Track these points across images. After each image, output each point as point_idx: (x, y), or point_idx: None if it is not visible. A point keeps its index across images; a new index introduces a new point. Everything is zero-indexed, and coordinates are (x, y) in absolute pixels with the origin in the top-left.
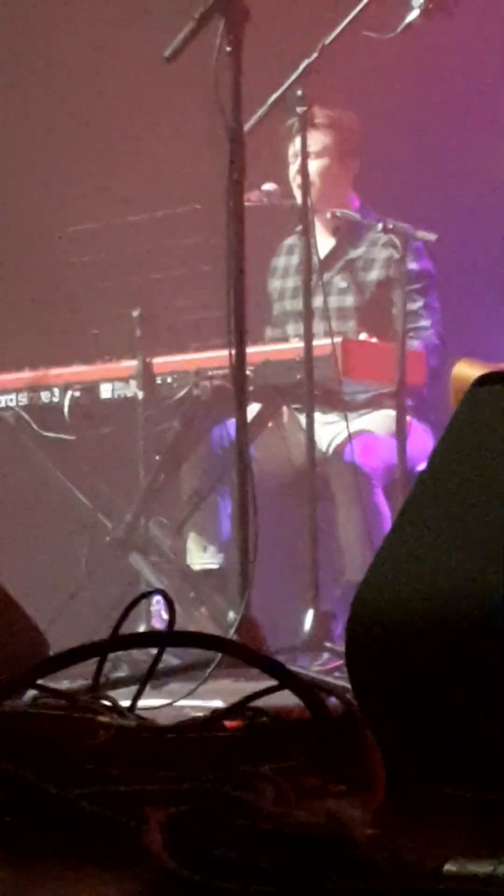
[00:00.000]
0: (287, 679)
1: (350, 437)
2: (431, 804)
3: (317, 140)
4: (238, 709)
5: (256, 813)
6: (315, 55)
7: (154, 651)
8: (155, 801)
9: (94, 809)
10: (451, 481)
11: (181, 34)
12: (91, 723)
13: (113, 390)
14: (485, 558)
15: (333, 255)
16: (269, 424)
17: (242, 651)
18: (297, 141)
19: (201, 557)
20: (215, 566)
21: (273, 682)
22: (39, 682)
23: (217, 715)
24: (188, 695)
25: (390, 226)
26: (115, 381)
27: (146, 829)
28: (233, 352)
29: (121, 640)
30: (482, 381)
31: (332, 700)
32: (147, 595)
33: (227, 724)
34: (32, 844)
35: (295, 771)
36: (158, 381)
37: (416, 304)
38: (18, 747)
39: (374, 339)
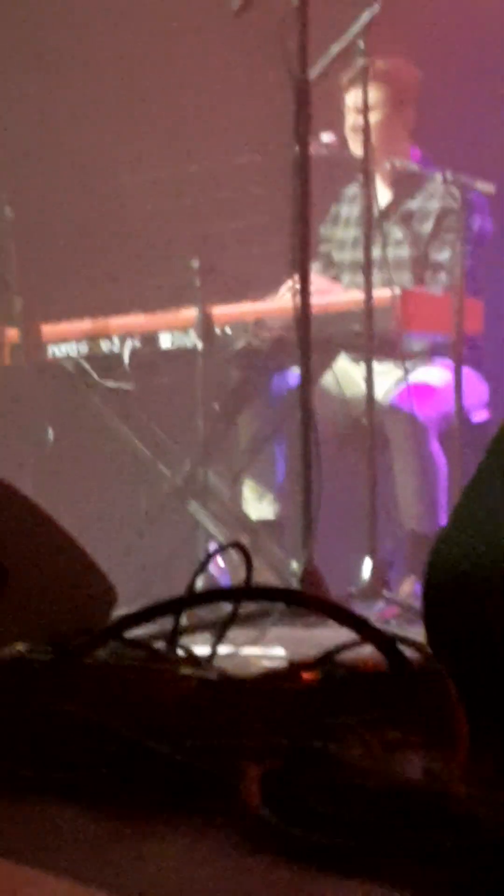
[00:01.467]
0: (368, 632)
1: (407, 386)
2: None
3: (372, 92)
4: (318, 661)
5: (350, 767)
6: (377, 6)
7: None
8: (247, 756)
9: (189, 763)
10: None
11: None
12: (173, 675)
13: (172, 340)
14: None
15: (391, 206)
16: (327, 374)
17: (320, 604)
18: (354, 92)
19: (258, 507)
20: (272, 516)
21: (341, 632)
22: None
23: (295, 667)
24: (253, 643)
25: (449, 177)
26: (175, 331)
27: (243, 783)
28: (297, 302)
29: (202, 595)
30: None
31: (411, 653)
32: (225, 548)
33: (305, 675)
34: (128, 797)
35: (377, 724)
36: (217, 331)
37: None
38: (105, 700)
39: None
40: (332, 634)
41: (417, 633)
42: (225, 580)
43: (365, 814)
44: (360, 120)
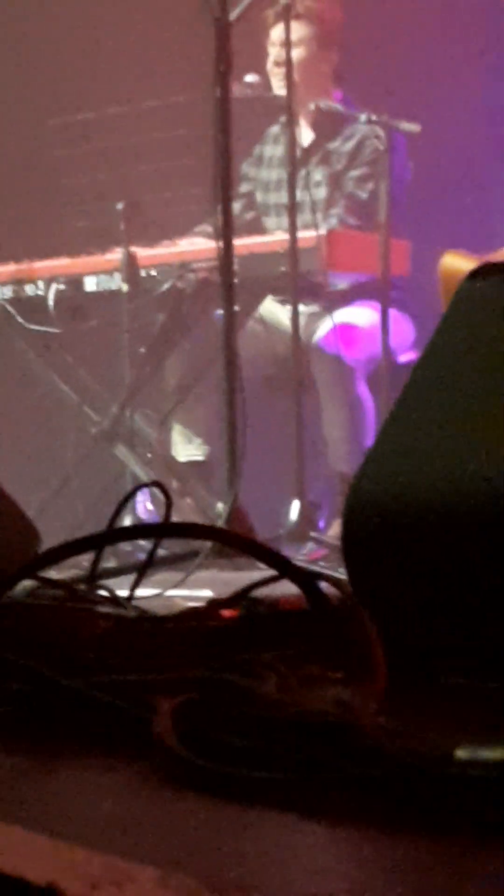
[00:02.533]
0: (286, 569)
1: (334, 328)
2: (433, 693)
3: (296, 30)
4: (236, 599)
5: (263, 700)
6: None
7: (143, 543)
8: (160, 690)
9: (102, 698)
10: (447, 374)
11: None
12: (91, 613)
13: (98, 283)
14: (485, 448)
15: (313, 146)
16: (253, 316)
17: (241, 541)
18: (275, 30)
19: (187, 449)
20: (200, 458)
21: (267, 573)
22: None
23: (215, 605)
24: (178, 584)
25: (373, 118)
26: (100, 274)
27: (155, 717)
28: (220, 244)
29: (121, 532)
30: (475, 274)
31: (331, 590)
32: (143, 486)
33: (224, 613)
34: (41, 733)
35: (295, 660)
36: (143, 273)
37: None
38: (21, 638)
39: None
40: (259, 576)
41: (345, 573)
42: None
43: (276, 745)
44: (283, 55)
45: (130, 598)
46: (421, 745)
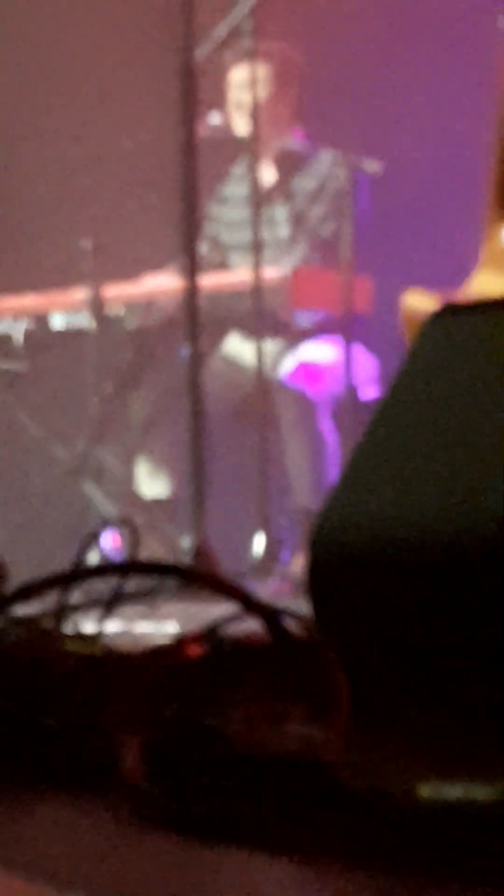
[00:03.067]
0: (251, 605)
1: (297, 364)
2: (396, 729)
3: (259, 70)
4: (203, 636)
5: (230, 738)
6: None
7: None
8: (129, 729)
9: (71, 736)
10: (411, 411)
11: None
12: (59, 652)
13: (64, 321)
14: (447, 484)
15: (276, 184)
16: (218, 353)
17: (207, 579)
18: (234, 72)
19: (152, 485)
20: (166, 494)
21: (231, 609)
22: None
23: (180, 642)
24: (144, 618)
25: (337, 156)
26: (67, 311)
27: (122, 755)
28: (186, 282)
29: (88, 571)
30: (438, 315)
31: (295, 626)
32: (111, 524)
33: (190, 650)
34: (5, 772)
35: (260, 696)
36: (109, 311)
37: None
38: None
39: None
40: (226, 610)
41: (309, 609)
42: (120, 559)
43: (243, 783)
44: (242, 96)
45: (98, 635)
46: (384, 782)
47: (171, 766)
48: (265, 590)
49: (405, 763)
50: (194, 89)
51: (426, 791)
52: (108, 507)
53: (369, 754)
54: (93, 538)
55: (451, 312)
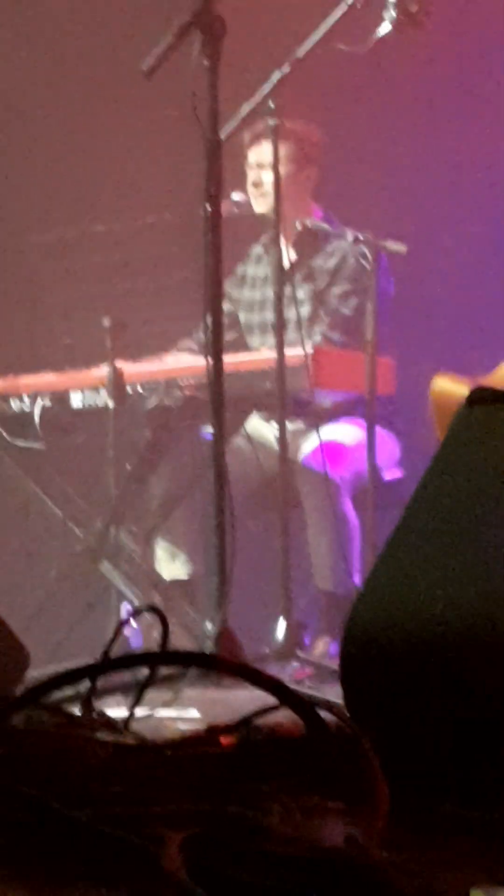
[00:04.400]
0: (286, 696)
1: (319, 445)
2: (434, 824)
3: (279, 149)
4: (236, 726)
5: (270, 834)
6: (287, 67)
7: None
8: (167, 823)
9: (110, 830)
10: (446, 500)
11: (159, 48)
12: (91, 741)
13: (83, 399)
14: (482, 578)
15: (294, 265)
16: (239, 433)
17: (241, 670)
18: (252, 153)
19: (171, 567)
20: (185, 576)
21: (259, 695)
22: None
23: (213, 731)
24: (167, 704)
25: (360, 237)
26: (86, 390)
27: (163, 851)
28: (210, 361)
29: (120, 661)
30: (472, 400)
31: (328, 717)
32: (140, 612)
33: (223, 740)
34: (47, 865)
35: (296, 789)
36: (129, 390)
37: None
38: (23, 766)
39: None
40: (246, 696)
41: (332, 693)
42: (137, 640)
43: (286, 881)
44: (261, 176)
45: (127, 722)
46: (435, 884)
47: (212, 862)
48: (286, 674)
49: (448, 861)
50: (219, 167)
51: (479, 894)
52: (126, 588)
53: (409, 851)
54: (123, 625)
55: (483, 400)
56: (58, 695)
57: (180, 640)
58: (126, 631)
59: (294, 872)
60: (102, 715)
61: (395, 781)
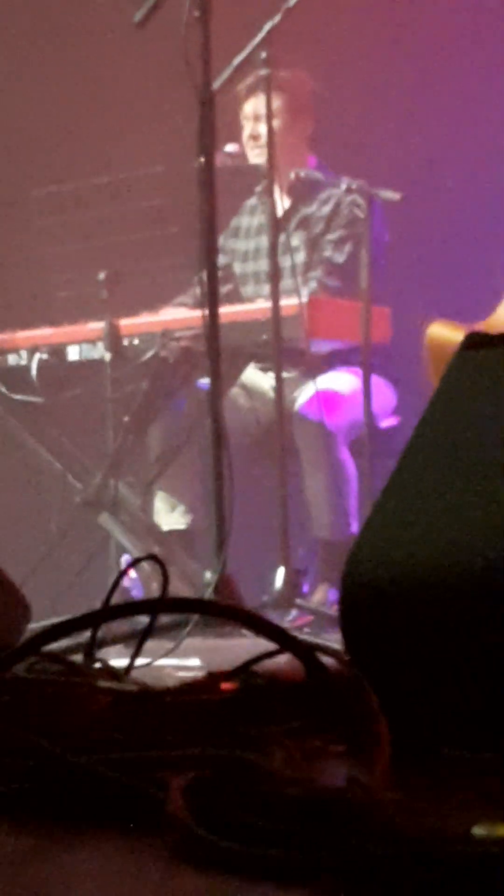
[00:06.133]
0: (286, 641)
1: (315, 394)
2: (435, 766)
3: (272, 100)
4: (237, 671)
5: (273, 777)
6: (278, 17)
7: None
8: (169, 767)
9: (113, 776)
10: (442, 446)
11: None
12: (92, 688)
13: (80, 352)
14: (479, 521)
15: (288, 214)
16: (236, 384)
17: (242, 615)
18: (252, 101)
19: (170, 517)
20: (183, 526)
21: (259, 642)
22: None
23: (213, 677)
24: (168, 653)
25: (354, 185)
26: (83, 343)
27: (168, 795)
28: (206, 313)
29: (121, 609)
30: (467, 345)
31: (329, 661)
32: (139, 560)
33: (224, 686)
34: (52, 812)
35: (298, 733)
36: (125, 342)
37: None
38: (25, 714)
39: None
40: (246, 643)
41: (332, 640)
42: (137, 591)
43: (289, 823)
44: (258, 128)
45: (128, 670)
46: (437, 823)
47: (215, 805)
48: (286, 622)
49: (449, 801)
50: (212, 119)
51: (480, 831)
52: (125, 539)
53: (412, 792)
54: (122, 575)
55: (479, 344)
56: (60, 644)
57: (181, 590)
58: (127, 582)
59: (296, 813)
60: (104, 663)
61: (397, 724)
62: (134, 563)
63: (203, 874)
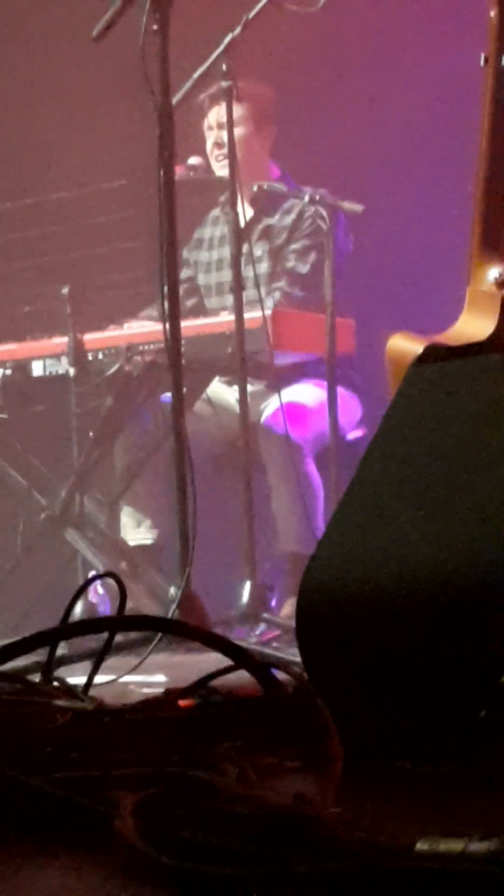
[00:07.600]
0: (241, 658)
1: (280, 407)
2: (387, 780)
3: (234, 110)
4: (193, 689)
5: (223, 794)
6: (238, 29)
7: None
8: (122, 786)
9: (62, 794)
10: (396, 459)
11: (108, 13)
12: (48, 707)
13: (45, 368)
14: (433, 535)
15: (250, 224)
16: (200, 398)
17: (196, 633)
18: (212, 114)
19: (136, 532)
20: (150, 541)
21: (219, 659)
22: None
23: (171, 694)
24: (132, 671)
25: (317, 196)
26: (47, 358)
27: (116, 813)
28: (167, 326)
29: (75, 627)
30: (423, 358)
31: (286, 677)
32: (96, 578)
33: (181, 703)
34: (2, 832)
35: (252, 749)
36: (90, 357)
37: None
38: None
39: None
40: (213, 659)
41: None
42: (104, 606)
43: (238, 841)
44: (222, 136)
45: (87, 688)
46: (381, 837)
47: (165, 823)
48: (253, 636)
49: (399, 815)
50: (171, 132)
51: (423, 846)
52: (91, 555)
53: (362, 807)
54: (80, 592)
55: (436, 356)
56: (21, 662)
57: (148, 606)
58: (94, 598)
59: (245, 831)
60: (61, 682)
61: (351, 739)
62: (90, 582)
63: (150, 892)
